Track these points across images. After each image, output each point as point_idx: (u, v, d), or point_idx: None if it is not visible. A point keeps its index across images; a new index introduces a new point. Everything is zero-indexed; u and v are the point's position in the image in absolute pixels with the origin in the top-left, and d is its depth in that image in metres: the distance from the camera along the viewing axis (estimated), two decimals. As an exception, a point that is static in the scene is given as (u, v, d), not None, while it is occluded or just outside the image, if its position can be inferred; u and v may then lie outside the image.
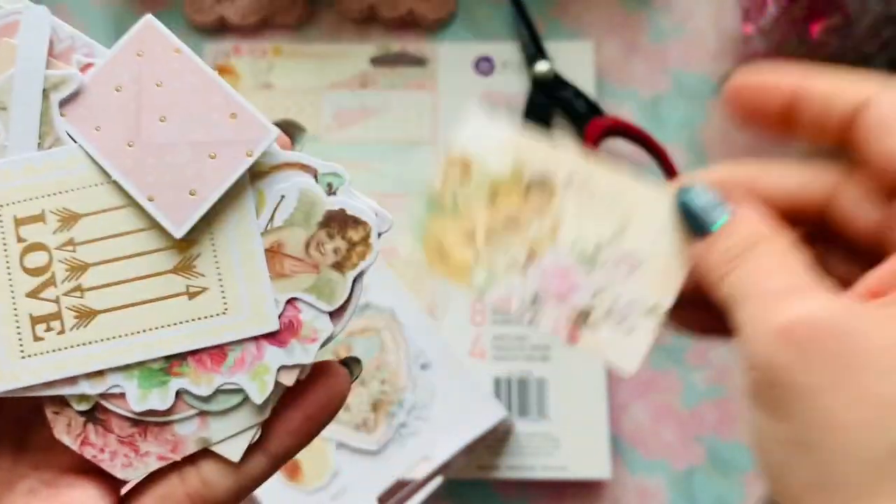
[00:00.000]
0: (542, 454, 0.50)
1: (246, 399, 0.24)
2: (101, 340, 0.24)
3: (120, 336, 0.24)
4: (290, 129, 0.26)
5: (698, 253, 0.27)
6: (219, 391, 0.24)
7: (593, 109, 0.53)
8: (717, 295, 0.26)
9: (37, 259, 0.24)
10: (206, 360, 0.24)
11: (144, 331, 0.24)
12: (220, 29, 0.56)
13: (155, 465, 0.25)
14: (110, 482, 0.25)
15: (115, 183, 0.24)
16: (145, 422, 0.24)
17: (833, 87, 0.26)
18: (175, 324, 0.24)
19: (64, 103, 0.25)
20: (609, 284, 0.28)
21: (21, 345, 0.24)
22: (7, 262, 0.25)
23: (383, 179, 0.53)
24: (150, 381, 0.24)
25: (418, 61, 0.55)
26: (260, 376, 0.24)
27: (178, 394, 0.24)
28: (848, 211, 0.27)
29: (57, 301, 0.24)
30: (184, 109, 0.24)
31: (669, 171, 0.52)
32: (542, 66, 0.54)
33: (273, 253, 0.25)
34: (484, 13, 0.57)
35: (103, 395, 0.24)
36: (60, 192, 0.24)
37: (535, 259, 0.29)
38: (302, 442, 0.25)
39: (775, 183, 0.28)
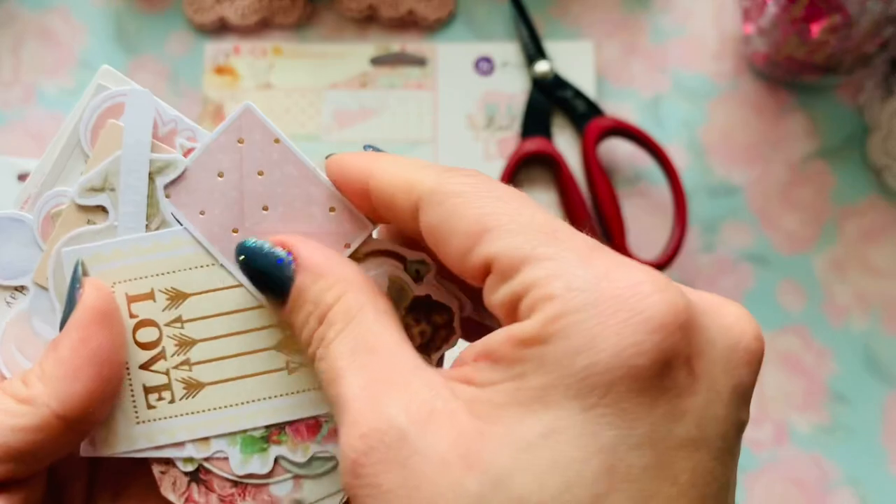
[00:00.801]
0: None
1: (337, 465, 0.26)
2: (208, 410, 0.26)
3: (225, 406, 0.26)
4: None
5: (285, 318, 0.24)
6: (313, 458, 0.26)
7: (593, 109, 0.53)
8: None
9: (148, 334, 0.26)
10: (302, 431, 0.26)
11: (247, 402, 0.27)
12: (220, 29, 0.56)
13: None
14: None
15: (221, 265, 0.26)
16: (245, 483, 0.27)
17: (392, 182, 0.24)
18: (275, 396, 0.26)
19: (168, 186, 0.26)
20: None
21: (136, 411, 0.26)
22: None
23: (383, 179, 0.53)
24: (251, 448, 0.26)
25: (418, 61, 0.55)
26: None
27: (276, 459, 0.26)
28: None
29: (167, 373, 0.26)
30: (285, 200, 0.26)
31: (669, 171, 0.52)
32: (542, 66, 0.54)
33: None
34: (484, 13, 0.57)
35: (207, 459, 0.26)
36: (168, 273, 0.26)
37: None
38: None
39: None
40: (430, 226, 0.22)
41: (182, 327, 0.26)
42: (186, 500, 0.27)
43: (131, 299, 0.26)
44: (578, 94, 0.54)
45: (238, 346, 0.26)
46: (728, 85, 0.56)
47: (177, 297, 0.26)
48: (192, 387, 0.26)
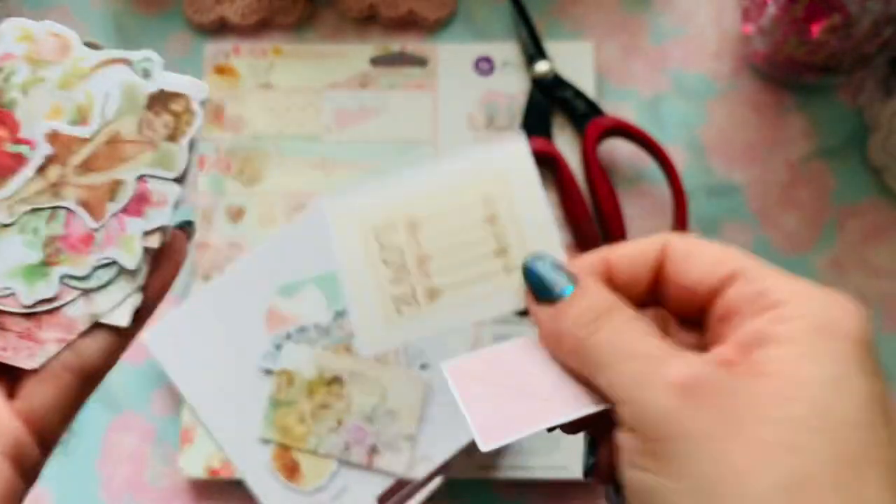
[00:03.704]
0: (542, 454, 0.50)
1: (122, 270, 0.28)
2: (447, 310, 0.30)
3: (459, 306, 0.30)
4: (91, 47, 0.29)
5: (547, 318, 0.28)
6: (96, 268, 0.28)
7: (593, 109, 0.53)
8: (571, 360, 0.28)
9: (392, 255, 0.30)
10: (77, 244, 0.28)
11: (478, 300, 0.30)
12: (220, 29, 0.56)
13: (55, 348, 0.27)
14: (1, 376, 0.28)
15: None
16: (38, 313, 0.27)
17: (633, 253, 0.30)
18: (498, 291, 0.30)
19: None
20: (381, 430, 0.47)
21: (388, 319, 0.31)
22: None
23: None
24: (33, 276, 0.28)
25: (418, 61, 0.55)
26: (128, 245, 0.28)
27: (61, 280, 0.27)
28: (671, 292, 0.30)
29: (412, 285, 0.30)
30: None
31: (669, 171, 0.52)
32: (542, 66, 0.54)
33: (113, 143, 0.28)
34: (484, 13, 0.57)
35: None
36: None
37: (341, 425, 0.47)
38: (161, 299, 0.29)
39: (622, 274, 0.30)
40: (676, 256, 0.29)
41: (419, 246, 0.30)
42: None
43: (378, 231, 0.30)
44: (578, 94, 0.54)
45: (465, 255, 0.30)
46: (728, 85, 0.56)
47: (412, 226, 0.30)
48: (434, 293, 0.30)
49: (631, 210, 0.54)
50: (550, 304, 0.28)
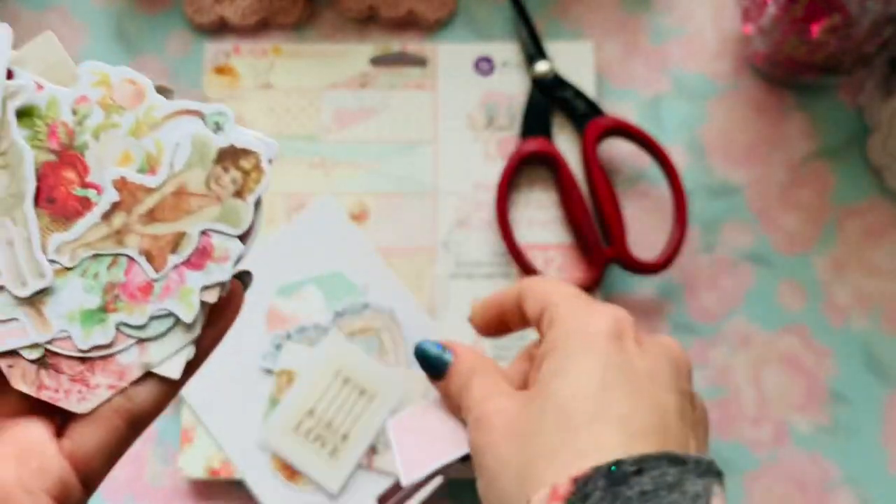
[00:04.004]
0: (542, 454, 0.50)
1: (177, 321, 0.28)
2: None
3: None
4: (163, 93, 0.29)
5: (442, 389, 0.37)
6: (153, 318, 0.28)
7: (593, 109, 0.53)
8: (458, 413, 0.37)
9: None
10: (136, 293, 0.28)
11: None
12: (220, 29, 0.56)
13: (106, 395, 0.28)
14: (50, 416, 0.28)
15: None
16: (91, 358, 0.28)
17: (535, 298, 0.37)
18: None
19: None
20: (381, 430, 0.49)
21: None
22: None
23: (383, 179, 0.53)
24: (91, 321, 0.28)
25: (418, 61, 0.55)
26: (186, 298, 0.28)
27: (117, 327, 0.28)
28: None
29: None
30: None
31: (669, 171, 0.52)
32: (542, 66, 0.54)
33: (179, 195, 0.28)
34: (484, 13, 0.57)
35: (51, 341, 0.27)
36: None
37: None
38: (213, 350, 0.30)
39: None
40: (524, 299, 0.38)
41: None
42: (39, 387, 0.27)
43: None
44: (578, 94, 0.54)
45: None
46: (728, 85, 0.56)
47: None
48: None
49: (631, 210, 0.54)
50: (442, 379, 0.37)
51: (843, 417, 0.51)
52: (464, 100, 0.54)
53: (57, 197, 0.28)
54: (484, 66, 0.55)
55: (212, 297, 0.28)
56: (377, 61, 0.55)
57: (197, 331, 0.28)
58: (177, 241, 0.28)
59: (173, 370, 0.28)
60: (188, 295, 0.28)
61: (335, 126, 0.54)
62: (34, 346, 0.27)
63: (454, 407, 0.37)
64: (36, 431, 0.27)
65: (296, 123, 0.54)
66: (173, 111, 0.28)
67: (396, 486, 0.47)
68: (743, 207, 0.54)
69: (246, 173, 0.28)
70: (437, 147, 0.54)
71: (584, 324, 0.34)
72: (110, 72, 0.28)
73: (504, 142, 0.54)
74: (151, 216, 0.28)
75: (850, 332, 0.52)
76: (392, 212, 0.52)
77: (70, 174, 0.28)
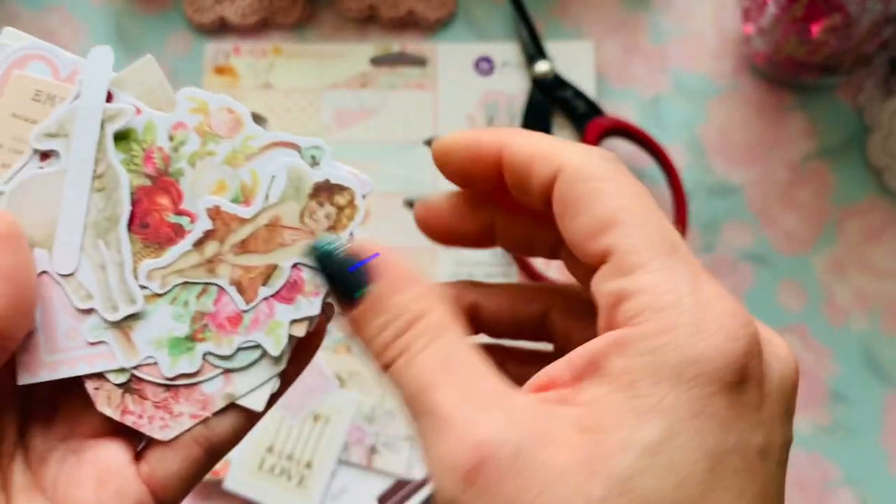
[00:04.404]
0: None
1: (264, 354, 0.27)
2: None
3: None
4: (257, 121, 0.29)
5: (352, 321, 0.25)
6: (240, 349, 0.27)
7: (593, 109, 0.53)
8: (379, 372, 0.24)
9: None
10: (225, 324, 0.27)
11: None
12: (220, 29, 0.56)
13: (189, 423, 0.28)
14: (129, 439, 0.28)
15: None
16: (176, 385, 0.27)
17: (531, 149, 0.25)
18: None
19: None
20: (381, 430, 0.48)
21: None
22: None
23: (383, 179, 0.53)
24: (178, 349, 0.27)
25: (418, 61, 0.55)
26: (274, 331, 0.27)
27: (204, 357, 0.27)
28: (559, 325, 0.29)
29: None
30: None
31: (669, 171, 0.52)
32: (542, 66, 0.54)
33: (272, 227, 0.27)
34: (484, 13, 0.57)
35: (137, 367, 0.27)
36: None
37: None
38: (295, 380, 0.29)
39: (492, 304, 0.29)
40: (566, 197, 0.24)
41: None
42: (123, 412, 0.27)
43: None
44: (578, 94, 0.54)
45: None
46: (728, 85, 0.56)
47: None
48: None
49: (631, 210, 0.54)
50: (352, 306, 0.25)
51: (843, 417, 0.51)
52: (464, 100, 0.54)
53: (150, 222, 0.28)
54: (484, 66, 0.55)
55: (300, 331, 0.27)
56: (377, 61, 0.55)
57: (283, 364, 0.28)
58: (268, 274, 0.27)
59: (257, 403, 0.28)
60: (277, 328, 0.27)
61: (335, 126, 0.54)
62: (121, 370, 0.27)
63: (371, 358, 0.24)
64: (116, 454, 0.27)
65: (296, 123, 0.54)
66: (270, 142, 0.28)
67: (396, 486, 0.47)
68: (743, 207, 0.54)
69: (340, 209, 0.28)
70: (437, 147, 0.54)
71: (693, 342, 0.21)
72: (209, 99, 0.29)
73: (504, 142, 0.54)
74: (244, 247, 0.27)
75: (850, 332, 0.52)
76: (392, 212, 0.52)
77: (164, 200, 0.28)
